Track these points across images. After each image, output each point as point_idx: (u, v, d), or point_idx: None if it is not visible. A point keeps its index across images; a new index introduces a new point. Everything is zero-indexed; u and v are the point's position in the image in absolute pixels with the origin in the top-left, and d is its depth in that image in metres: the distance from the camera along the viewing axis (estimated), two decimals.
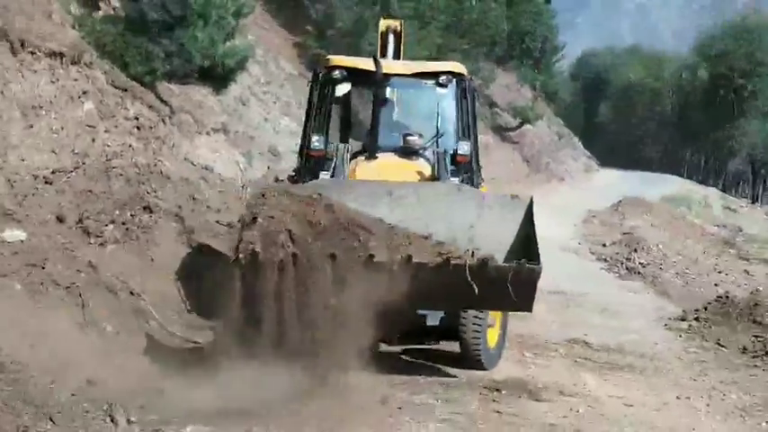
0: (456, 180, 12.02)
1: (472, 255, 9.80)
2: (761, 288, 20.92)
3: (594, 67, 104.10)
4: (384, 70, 12.07)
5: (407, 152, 12.27)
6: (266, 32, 33.43)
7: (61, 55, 15.12)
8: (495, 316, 12.03)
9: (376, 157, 12.10)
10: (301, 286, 9.87)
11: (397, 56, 13.93)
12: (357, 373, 10.60)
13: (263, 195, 10.29)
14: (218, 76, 19.77)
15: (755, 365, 13.43)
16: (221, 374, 11.05)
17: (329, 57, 13.27)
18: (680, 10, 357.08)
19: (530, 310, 10.72)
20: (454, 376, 11.15)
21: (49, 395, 8.20)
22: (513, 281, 9.81)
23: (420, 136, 12.39)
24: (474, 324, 11.60)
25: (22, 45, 13.98)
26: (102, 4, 19.52)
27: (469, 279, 9.70)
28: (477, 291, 9.74)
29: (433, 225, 10.19)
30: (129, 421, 8.54)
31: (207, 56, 18.67)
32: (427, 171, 12.08)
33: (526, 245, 10.29)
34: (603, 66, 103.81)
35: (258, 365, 11.00)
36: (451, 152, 12.29)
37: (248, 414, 9.41)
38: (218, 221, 16.11)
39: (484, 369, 11.88)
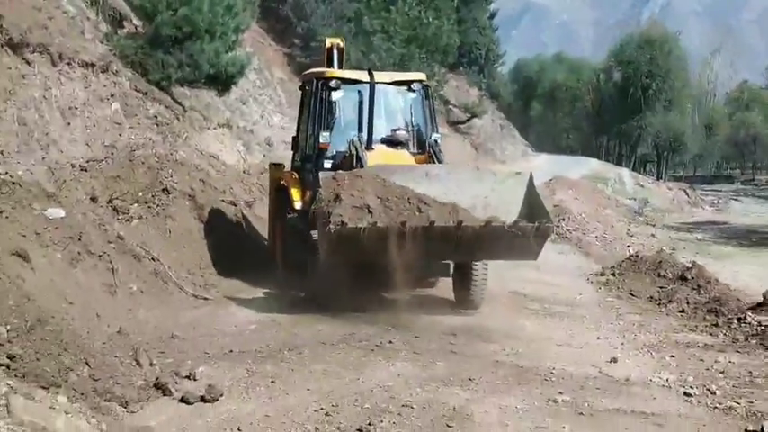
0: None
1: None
2: (664, 248, 21.03)
3: (528, 72, 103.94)
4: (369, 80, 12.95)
5: (393, 143, 12.83)
6: (261, 45, 33.17)
7: (92, 65, 15.00)
8: None
9: (372, 148, 12.57)
10: (379, 247, 10.26)
11: (340, 66, 14.61)
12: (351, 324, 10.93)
13: (335, 179, 10.80)
14: (222, 81, 19.59)
15: (660, 311, 13.45)
16: (228, 325, 11.04)
17: (324, 70, 13.82)
18: (595, 25, 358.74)
19: (536, 258, 11.58)
20: (418, 324, 11.12)
21: (85, 343, 8.10)
22: (534, 235, 10.84)
23: (405, 130, 13.04)
24: (483, 274, 12.32)
25: (60, 57, 13.87)
26: (125, 23, 19.32)
27: (511, 233, 10.67)
28: (510, 244, 10.82)
29: (459, 196, 10.91)
30: (151, 364, 8.49)
31: (213, 64, 18.49)
32: (409, 156, 12.76)
33: (537, 209, 11.13)
34: (535, 70, 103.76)
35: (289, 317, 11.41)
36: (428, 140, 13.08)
37: (249, 356, 9.36)
38: (222, 200, 16.06)
39: (476, 308, 12.47)
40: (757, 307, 12.50)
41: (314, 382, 8.48)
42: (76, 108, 13.96)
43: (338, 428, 7.16)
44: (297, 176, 13.55)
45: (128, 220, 13.17)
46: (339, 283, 11.37)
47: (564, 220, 26.00)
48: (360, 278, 11.64)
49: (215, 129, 21.07)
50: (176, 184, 14.75)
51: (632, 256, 18.45)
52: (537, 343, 10.74)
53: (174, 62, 18.01)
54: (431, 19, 43.15)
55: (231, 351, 9.60)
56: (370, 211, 10.38)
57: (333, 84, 12.87)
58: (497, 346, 10.44)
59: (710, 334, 11.73)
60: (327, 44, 15.02)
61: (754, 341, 11.03)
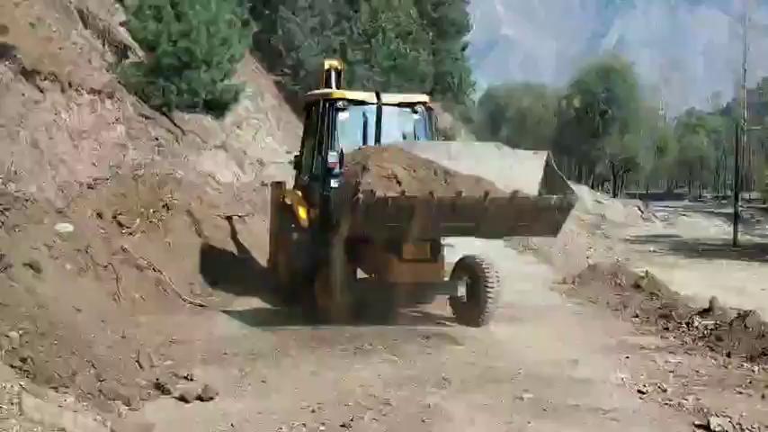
0: None
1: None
2: (620, 259, 21.15)
3: (497, 98, 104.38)
4: (376, 101, 12.44)
5: None
6: (254, 73, 33.09)
7: (99, 92, 14.98)
8: None
9: None
10: (406, 217, 9.74)
11: (338, 87, 13.86)
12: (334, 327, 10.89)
13: (361, 151, 10.36)
14: (218, 107, 19.62)
15: (615, 316, 13.51)
16: (222, 331, 11.01)
17: (331, 90, 13.16)
18: (557, 55, 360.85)
19: (556, 234, 11.07)
20: (395, 330, 11.13)
21: (91, 347, 8.06)
22: (557, 208, 10.30)
23: None
24: (497, 290, 11.76)
25: (69, 85, 13.85)
26: (129, 53, 19.31)
27: (537, 205, 10.18)
28: (535, 217, 10.28)
29: (481, 172, 10.21)
30: (152, 366, 8.48)
31: (209, 91, 18.52)
32: None
33: (557, 184, 10.49)
34: (503, 97, 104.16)
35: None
36: None
37: (242, 358, 9.34)
38: (218, 215, 16.03)
39: (480, 326, 11.77)
40: (704, 312, 12.57)
41: (301, 382, 8.48)
42: (84, 131, 13.93)
43: (323, 424, 7.16)
44: (301, 195, 13.00)
45: (131, 233, 13.11)
46: (353, 297, 11.25)
47: None
48: (371, 294, 11.59)
49: (211, 150, 21.05)
50: (176, 201, 14.71)
51: (591, 266, 18.54)
52: (505, 345, 10.75)
53: (174, 89, 18.02)
54: (408, 50, 43.31)
55: (225, 354, 9.57)
56: (398, 181, 9.75)
57: (340, 104, 12.26)
58: (468, 348, 10.45)
59: (662, 337, 11.77)
60: (326, 66, 14.32)
61: (701, 343, 11.08)
